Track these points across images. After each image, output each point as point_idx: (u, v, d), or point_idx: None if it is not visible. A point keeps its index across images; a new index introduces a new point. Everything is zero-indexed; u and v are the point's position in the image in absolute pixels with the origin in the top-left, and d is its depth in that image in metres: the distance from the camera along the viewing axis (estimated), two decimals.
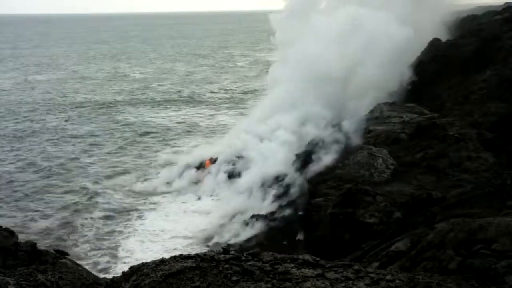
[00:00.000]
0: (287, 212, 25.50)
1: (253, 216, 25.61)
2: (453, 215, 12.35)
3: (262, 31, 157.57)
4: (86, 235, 25.58)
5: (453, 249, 9.74)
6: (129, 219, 27.75)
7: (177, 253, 9.94)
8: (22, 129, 46.96)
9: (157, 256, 12.37)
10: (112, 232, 26.21)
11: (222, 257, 8.64)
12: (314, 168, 26.73)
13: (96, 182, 33.21)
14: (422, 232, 11.49)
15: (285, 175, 28.14)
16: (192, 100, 61.89)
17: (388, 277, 8.27)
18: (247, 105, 57.39)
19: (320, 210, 21.37)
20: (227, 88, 70.16)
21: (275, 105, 35.46)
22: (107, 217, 27.80)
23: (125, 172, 35.43)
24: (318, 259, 8.83)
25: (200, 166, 33.53)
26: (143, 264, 8.70)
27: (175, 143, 42.77)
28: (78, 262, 13.28)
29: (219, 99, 62.74)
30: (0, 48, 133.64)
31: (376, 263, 11.42)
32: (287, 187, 27.36)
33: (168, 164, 35.24)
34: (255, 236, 24.39)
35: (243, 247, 22.68)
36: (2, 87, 70.84)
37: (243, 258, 8.69)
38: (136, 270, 8.55)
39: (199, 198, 30.23)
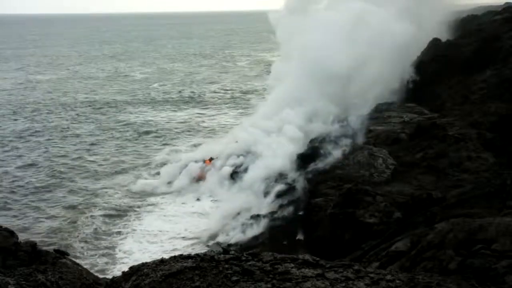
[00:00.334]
0: (288, 212, 25.47)
1: (253, 216, 25.59)
2: (453, 215, 12.37)
3: (263, 31, 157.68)
4: (84, 235, 25.46)
5: (453, 249, 9.75)
6: (128, 219, 27.69)
7: (176, 253, 9.95)
8: (22, 129, 46.96)
9: (156, 256, 12.37)
10: (110, 232, 26.10)
11: (222, 257, 8.65)
12: (321, 163, 26.63)
13: (95, 182, 33.21)
14: (422, 232, 11.50)
15: (289, 172, 28.12)
16: (192, 100, 61.90)
17: (388, 277, 8.27)
18: (247, 105, 57.44)
19: (320, 210, 21.36)
20: (228, 88, 70.16)
21: (282, 101, 35.53)
22: (105, 217, 27.72)
23: (125, 172, 35.42)
24: (318, 259, 8.84)
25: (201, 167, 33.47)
26: (143, 264, 8.71)
27: (175, 143, 42.75)
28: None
29: (220, 99, 62.74)
30: (2, 48, 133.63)
31: (376, 263, 11.42)
32: (289, 186, 27.32)
33: (168, 164, 35.18)
34: (255, 236, 24.35)
35: (243, 247, 22.66)
36: (4, 87, 70.85)
37: (243, 258, 8.70)
38: (136, 270, 8.56)
39: (198, 199, 30.19)
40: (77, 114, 53.14)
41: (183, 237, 25.49)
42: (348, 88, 34.00)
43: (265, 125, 33.72)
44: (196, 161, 33.78)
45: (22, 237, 12.81)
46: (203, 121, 50.79)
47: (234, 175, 30.88)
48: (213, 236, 25.23)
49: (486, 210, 12.86)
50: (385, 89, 33.13)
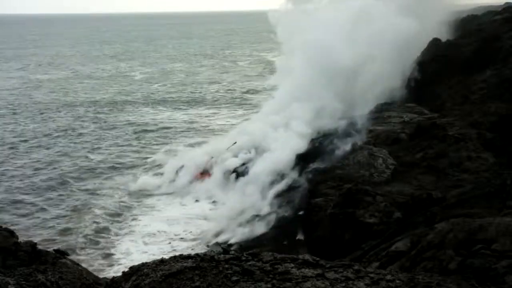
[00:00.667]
0: (288, 212, 25.47)
1: (253, 216, 25.60)
2: (453, 215, 12.36)
3: (263, 31, 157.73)
4: (83, 235, 25.39)
5: (453, 249, 9.75)
6: (127, 220, 27.69)
7: (175, 254, 9.94)
8: (23, 128, 46.97)
9: (155, 257, 12.35)
10: (110, 232, 26.02)
11: (222, 257, 8.65)
12: (323, 162, 26.60)
13: (95, 182, 33.22)
14: (422, 232, 11.50)
15: (289, 172, 28.10)
16: (193, 100, 61.89)
17: (388, 277, 8.27)
18: (248, 105, 57.48)
19: (320, 210, 21.35)
20: (229, 88, 70.15)
21: (288, 97, 35.58)
22: (105, 217, 27.64)
23: (125, 171, 35.44)
24: (318, 259, 8.84)
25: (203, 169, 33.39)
26: (143, 264, 8.71)
27: (176, 142, 42.75)
28: None
29: (220, 99, 62.72)
30: (2, 48, 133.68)
31: (376, 263, 11.42)
32: (289, 186, 27.31)
33: (167, 164, 35.17)
34: (255, 236, 24.35)
35: (243, 247, 22.65)
36: (6, 87, 70.88)
37: (243, 258, 8.70)
38: (136, 270, 8.56)
39: (197, 200, 30.15)
40: (78, 114, 53.15)
41: (182, 238, 25.47)
42: (353, 84, 34.03)
43: (272, 120, 33.79)
44: (198, 160, 33.72)
45: (21, 237, 12.80)
46: (204, 121, 50.79)
47: (239, 173, 30.76)
48: (213, 236, 25.23)
49: (486, 210, 12.85)
50: (390, 85, 33.25)
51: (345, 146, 26.58)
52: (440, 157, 21.90)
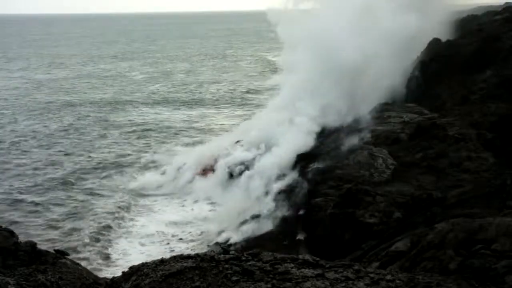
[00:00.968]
0: (288, 211, 25.44)
1: (253, 216, 25.57)
2: (453, 215, 12.38)
3: (263, 31, 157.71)
4: (83, 235, 25.38)
5: (453, 249, 9.75)
6: (127, 220, 27.67)
7: (174, 254, 9.94)
8: (23, 128, 46.99)
9: (153, 257, 12.34)
10: (109, 232, 26.01)
11: (222, 257, 8.65)
12: (323, 162, 26.61)
13: (95, 181, 33.22)
14: (422, 232, 11.50)
15: (289, 172, 28.09)
16: (193, 100, 61.90)
17: (388, 277, 8.28)
18: (250, 104, 57.48)
19: (320, 210, 21.36)
20: (229, 88, 70.16)
21: (294, 93, 35.61)
22: (105, 217, 27.63)
23: (125, 171, 35.43)
24: (318, 259, 8.85)
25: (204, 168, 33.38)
26: (143, 264, 8.72)
27: (176, 142, 42.76)
28: None
29: (221, 99, 62.72)
30: (3, 48, 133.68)
31: (376, 263, 11.43)
32: (289, 186, 27.28)
33: (169, 162, 35.18)
34: (255, 236, 24.33)
35: (243, 247, 22.63)
36: (6, 87, 70.93)
37: (243, 258, 8.71)
38: (136, 270, 8.57)
39: (196, 201, 30.13)
40: (78, 114, 53.18)
41: (181, 239, 25.46)
42: (359, 82, 34.03)
43: (278, 117, 33.82)
44: (201, 157, 33.70)
45: (21, 237, 12.80)
46: (204, 121, 50.80)
47: (244, 167, 30.77)
48: (213, 236, 25.21)
49: (486, 210, 12.87)
50: (389, 86, 33.30)
51: (351, 143, 26.54)
52: (440, 157, 21.91)
